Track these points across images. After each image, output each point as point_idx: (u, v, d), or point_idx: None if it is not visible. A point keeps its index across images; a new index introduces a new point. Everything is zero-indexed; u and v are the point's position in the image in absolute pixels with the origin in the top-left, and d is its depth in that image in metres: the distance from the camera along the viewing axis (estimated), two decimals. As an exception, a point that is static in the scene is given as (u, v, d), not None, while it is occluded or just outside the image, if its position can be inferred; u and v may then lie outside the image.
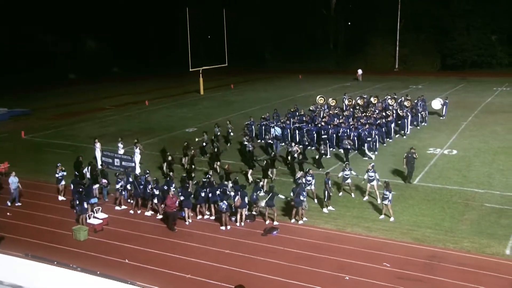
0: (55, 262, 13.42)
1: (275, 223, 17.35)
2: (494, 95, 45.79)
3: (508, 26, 67.17)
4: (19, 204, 19.87)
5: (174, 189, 17.99)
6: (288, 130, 28.37)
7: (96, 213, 17.90)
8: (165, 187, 18.23)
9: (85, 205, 17.37)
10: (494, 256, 14.65)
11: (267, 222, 17.47)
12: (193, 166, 22.08)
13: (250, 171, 22.33)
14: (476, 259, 14.52)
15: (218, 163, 23.28)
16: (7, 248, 14.45)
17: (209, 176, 19.03)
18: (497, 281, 13.21)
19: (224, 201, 17.15)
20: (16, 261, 9.15)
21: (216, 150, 23.85)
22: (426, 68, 69.24)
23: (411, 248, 15.31)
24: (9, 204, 19.82)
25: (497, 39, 68.52)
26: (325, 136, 26.36)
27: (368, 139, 25.37)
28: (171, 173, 20.62)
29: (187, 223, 17.67)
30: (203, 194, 17.97)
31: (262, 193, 18.19)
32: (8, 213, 19.08)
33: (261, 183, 20.35)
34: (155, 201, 18.44)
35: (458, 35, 67.95)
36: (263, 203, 17.35)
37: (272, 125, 28.35)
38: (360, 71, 59.93)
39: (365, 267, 14.16)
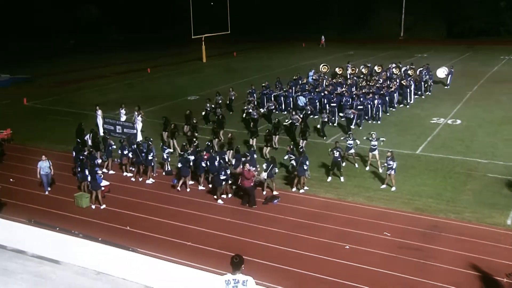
0: (57, 228, 13.54)
1: (275, 193, 17.24)
2: (501, 64, 45.16)
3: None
4: (48, 189, 17.92)
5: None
6: (291, 98, 28.15)
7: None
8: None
9: (86, 172, 17.28)
10: (495, 226, 14.68)
11: (264, 192, 17.39)
12: (195, 134, 21.96)
13: (254, 140, 22.19)
14: (477, 229, 14.55)
15: (222, 131, 23.17)
16: (11, 214, 14.55)
17: (209, 144, 18.99)
18: (497, 251, 13.26)
19: (222, 172, 16.67)
20: (19, 227, 9.22)
21: (219, 117, 23.68)
22: (431, 36, 68.04)
23: (412, 218, 15.34)
24: (49, 189, 17.95)
25: (505, 6, 66.82)
26: (334, 105, 26.02)
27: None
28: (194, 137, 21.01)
29: (178, 189, 17.64)
30: (203, 164, 17.85)
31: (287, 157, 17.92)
32: (11, 179, 19.13)
33: (264, 150, 20.36)
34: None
35: (465, 2, 66.35)
36: (264, 175, 17.08)
37: (298, 94, 27.80)
38: (323, 38, 64.43)
39: (366, 236, 14.22)
